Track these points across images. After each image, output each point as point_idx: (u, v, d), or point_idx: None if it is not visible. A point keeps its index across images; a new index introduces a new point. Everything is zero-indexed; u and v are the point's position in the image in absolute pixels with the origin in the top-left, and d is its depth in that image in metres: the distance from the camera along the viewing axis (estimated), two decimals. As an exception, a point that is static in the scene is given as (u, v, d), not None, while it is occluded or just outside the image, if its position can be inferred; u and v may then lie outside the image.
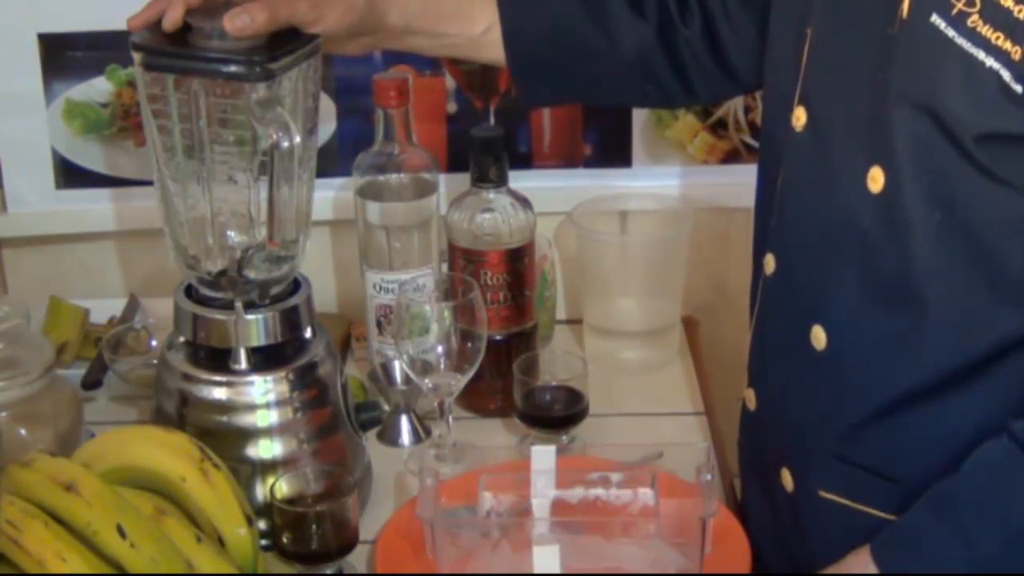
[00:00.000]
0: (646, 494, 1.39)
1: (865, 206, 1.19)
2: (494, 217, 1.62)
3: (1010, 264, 1.16)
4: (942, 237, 1.16)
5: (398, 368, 1.62)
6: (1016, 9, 1.08)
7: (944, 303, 1.18)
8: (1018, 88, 1.09)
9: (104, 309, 1.80)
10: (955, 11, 1.11)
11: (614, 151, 1.85)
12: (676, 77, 1.49)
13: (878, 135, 1.17)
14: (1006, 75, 1.09)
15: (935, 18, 1.12)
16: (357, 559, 1.38)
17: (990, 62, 1.09)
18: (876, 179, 1.18)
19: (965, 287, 1.17)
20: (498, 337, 1.62)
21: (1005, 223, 1.15)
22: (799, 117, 1.27)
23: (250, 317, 1.40)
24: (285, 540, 1.33)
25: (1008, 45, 1.08)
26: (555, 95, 1.55)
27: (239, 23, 1.29)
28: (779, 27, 1.34)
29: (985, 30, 1.09)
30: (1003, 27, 1.08)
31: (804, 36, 1.26)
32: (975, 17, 1.10)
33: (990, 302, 1.17)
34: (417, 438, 1.62)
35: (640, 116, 1.83)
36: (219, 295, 1.42)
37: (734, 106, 1.82)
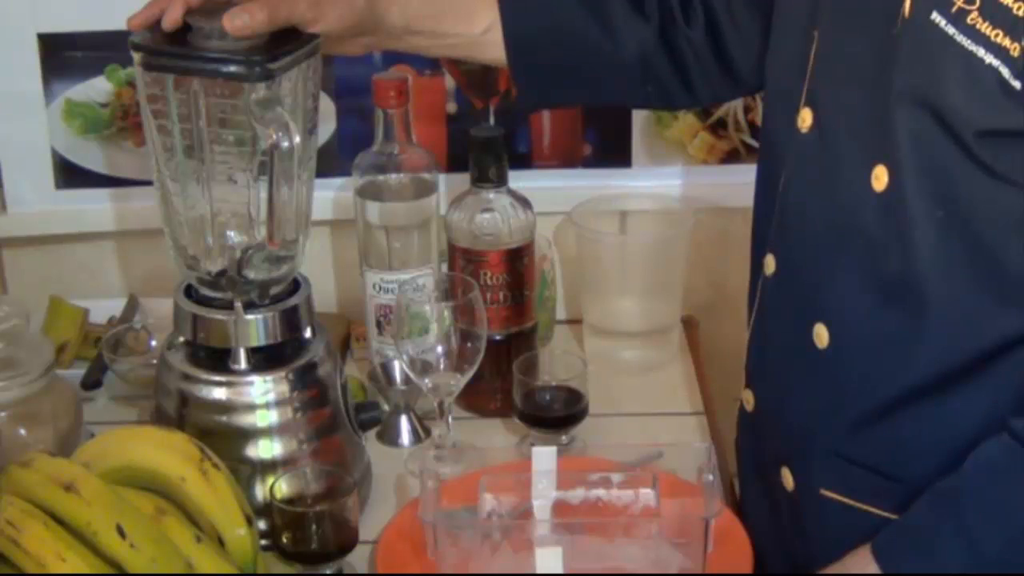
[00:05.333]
0: (647, 494, 1.39)
1: (869, 205, 1.19)
2: (494, 217, 1.62)
3: (1011, 262, 1.16)
4: (944, 235, 1.16)
5: (398, 368, 1.62)
6: (1015, 6, 1.08)
7: (945, 301, 1.18)
8: (1017, 84, 1.09)
9: (104, 309, 1.80)
10: (955, 9, 1.11)
11: (614, 151, 1.85)
12: (677, 78, 1.49)
13: (881, 134, 1.17)
14: (1005, 72, 1.09)
15: (935, 16, 1.12)
16: (357, 559, 1.38)
17: (989, 59, 1.10)
18: (880, 177, 1.18)
19: (966, 285, 1.17)
20: (498, 337, 1.62)
21: (1006, 221, 1.15)
22: (805, 118, 1.27)
23: (250, 317, 1.40)
24: (285, 540, 1.33)
25: (1007, 42, 1.09)
26: (555, 96, 1.55)
27: (238, 23, 1.29)
28: (784, 29, 1.34)
29: (984, 27, 1.10)
30: (1002, 24, 1.09)
31: (811, 38, 1.26)
32: (975, 14, 1.10)
33: (991, 300, 1.17)
34: (417, 438, 1.62)
35: (640, 116, 1.83)
36: (219, 295, 1.42)
37: (734, 106, 1.82)
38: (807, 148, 1.27)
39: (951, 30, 1.11)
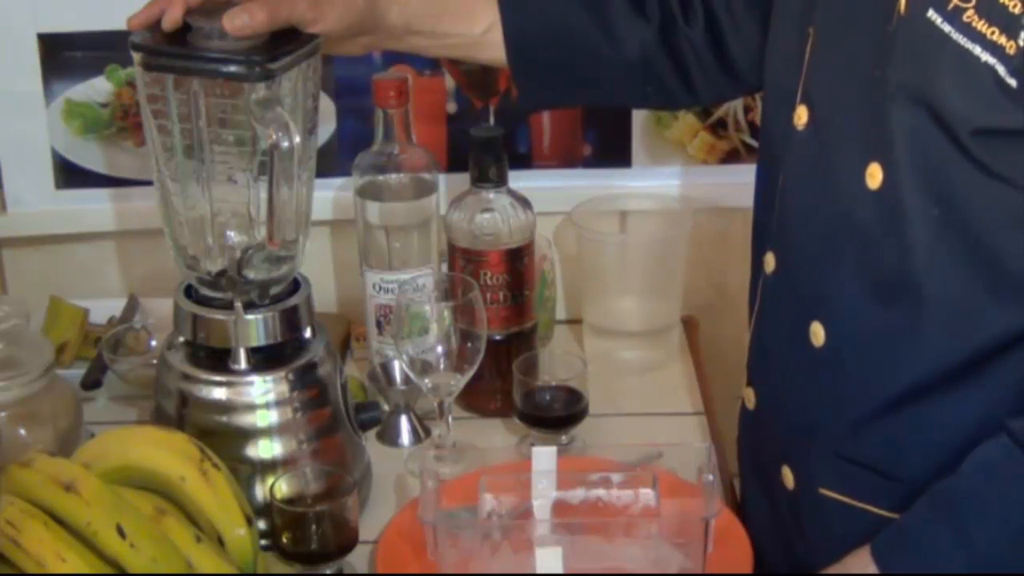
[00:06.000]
0: (647, 494, 1.39)
1: (864, 202, 1.19)
2: (494, 217, 1.62)
3: (1008, 260, 1.16)
4: (940, 233, 1.16)
5: (398, 368, 1.62)
6: (1011, 4, 1.09)
7: (942, 299, 1.18)
8: (1013, 83, 1.09)
9: (104, 309, 1.80)
10: (951, 6, 1.11)
11: (614, 151, 1.85)
12: (678, 77, 1.49)
13: (877, 131, 1.17)
14: (1001, 70, 1.09)
15: (931, 13, 1.12)
16: (357, 559, 1.38)
17: (985, 57, 1.10)
18: (875, 175, 1.18)
19: (963, 283, 1.17)
20: (498, 337, 1.62)
21: (1002, 219, 1.15)
22: (801, 116, 1.27)
23: (250, 317, 1.40)
24: (285, 540, 1.33)
25: (1003, 40, 1.09)
26: (555, 96, 1.55)
27: (238, 22, 1.29)
28: (781, 26, 1.34)
29: (980, 25, 1.10)
30: (998, 22, 1.09)
31: (807, 35, 1.26)
32: (970, 12, 1.10)
33: (988, 298, 1.17)
34: (417, 438, 1.62)
35: (640, 116, 1.83)
36: (219, 295, 1.42)
37: (734, 106, 1.82)
38: (804, 145, 1.27)
39: (947, 28, 1.11)
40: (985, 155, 1.13)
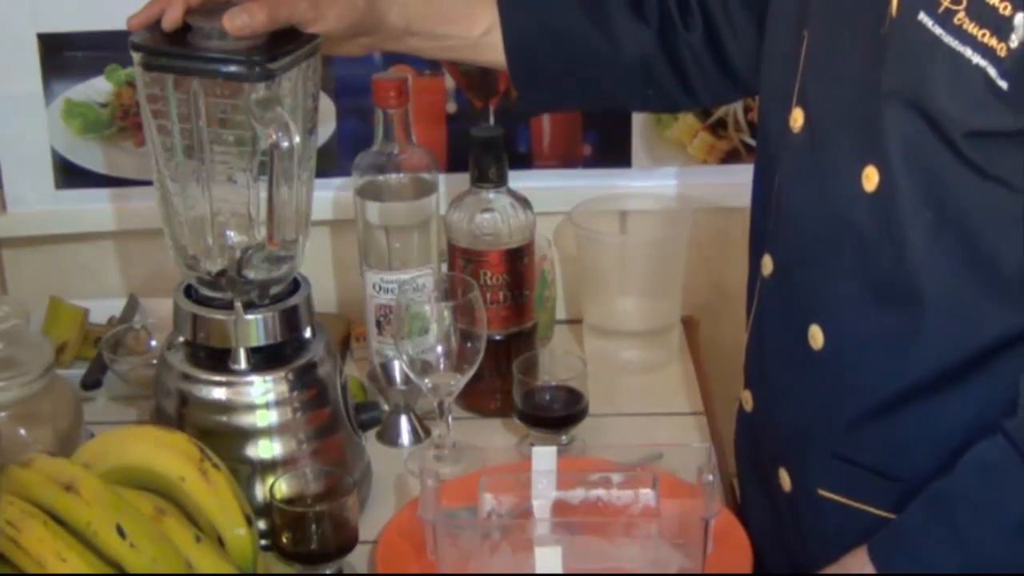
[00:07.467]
0: (647, 495, 1.39)
1: (860, 205, 1.20)
2: (494, 217, 1.62)
3: (1004, 261, 1.16)
4: (936, 235, 1.17)
5: (398, 368, 1.62)
6: (1001, 6, 1.08)
7: (939, 301, 1.18)
8: (1003, 84, 1.09)
9: (104, 309, 1.80)
10: (942, 9, 1.11)
11: (614, 151, 1.85)
12: (677, 80, 1.49)
13: (872, 134, 1.17)
14: (992, 72, 1.09)
15: (922, 16, 1.12)
16: (357, 559, 1.38)
17: (976, 59, 1.10)
18: (871, 178, 1.18)
19: (959, 285, 1.17)
20: (498, 337, 1.62)
21: (998, 220, 1.15)
22: (796, 118, 1.27)
23: (250, 317, 1.40)
24: (285, 540, 1.33)
25: (994, 42, 1.09)
26: (555, 99, 1.55)
27: (238, 22, 1.29)
28: (776, 29, 1.34)
29: (971, 27, 1.10)
30: (988, 24, 1.09)
31: (801, 38, 1.26)
32: (961, 15, 1.10)
33: (985, 300, 1.17)
34: (417, 438, 1.62)
35: (640, 116, 1.83)
36: (219, 295, 1.42)
37: (733, 106, 1.82)
38: (799, 148, 1.27)
39: (938, 30, 1.11)
40: (978, 157, 1.13)
